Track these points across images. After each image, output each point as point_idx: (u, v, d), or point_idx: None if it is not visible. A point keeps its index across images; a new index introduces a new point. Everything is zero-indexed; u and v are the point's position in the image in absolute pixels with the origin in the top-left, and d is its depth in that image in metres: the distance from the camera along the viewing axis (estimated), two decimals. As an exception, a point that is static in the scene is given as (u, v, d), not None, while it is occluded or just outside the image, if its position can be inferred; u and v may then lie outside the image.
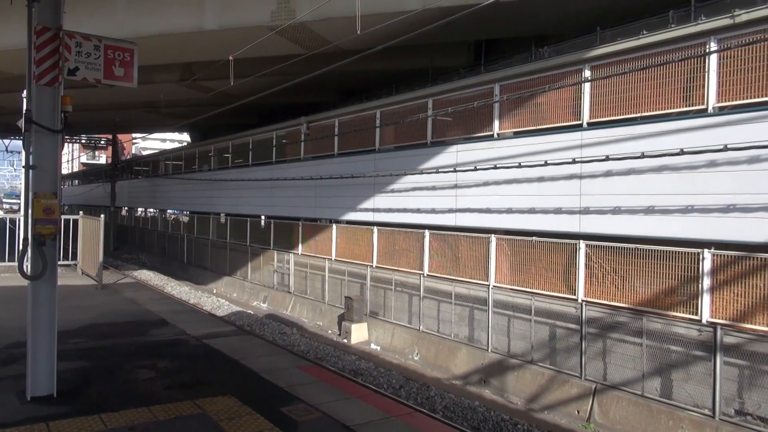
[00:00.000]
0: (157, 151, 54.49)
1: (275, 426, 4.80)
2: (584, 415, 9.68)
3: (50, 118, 5.13)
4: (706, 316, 8.82)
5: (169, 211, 35.61)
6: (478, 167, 12.71)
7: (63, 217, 10.86)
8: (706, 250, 8.87)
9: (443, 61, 19.43)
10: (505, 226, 12.30)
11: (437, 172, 13.80)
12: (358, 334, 14.91)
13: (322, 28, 15.96)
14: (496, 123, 12.57)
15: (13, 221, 13.25)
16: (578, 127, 10.87)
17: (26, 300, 5.15)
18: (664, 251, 9.40)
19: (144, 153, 62.16)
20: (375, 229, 15.87)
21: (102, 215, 12.71)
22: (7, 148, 48.98)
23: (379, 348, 14.33)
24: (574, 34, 13.96)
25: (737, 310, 8.54)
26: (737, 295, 8.55)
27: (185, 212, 32.62)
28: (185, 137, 59.28)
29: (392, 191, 15.38)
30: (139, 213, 39.21)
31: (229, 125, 32.07)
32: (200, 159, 28.65)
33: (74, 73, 5.27)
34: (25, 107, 5.27)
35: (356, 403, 5.62)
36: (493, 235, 12.37)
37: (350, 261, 16.65)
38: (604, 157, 10.20)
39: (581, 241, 10.61)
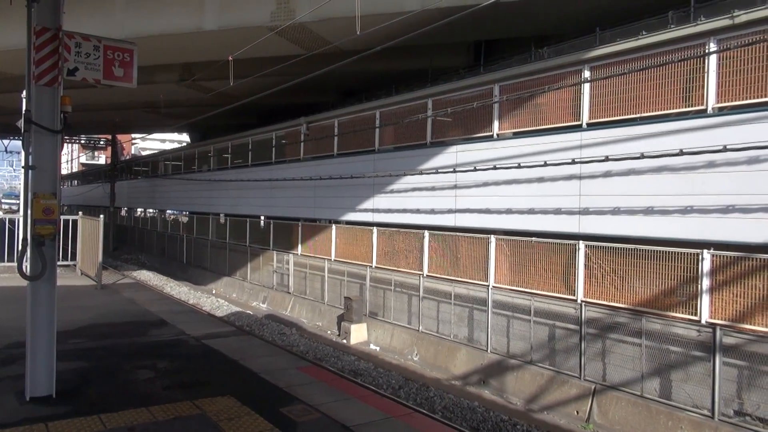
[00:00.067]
0: (156, 151, 54.48)
1: (275, 426, 4.79)
2: (583, 416, 9.68)
3: (50, 119, 5.13)
4: (705, 316, 8.82)
5: (168, 211, 35.60)
6: (477, 168, 12.71)
7: (62, 217, 10.85)
8: (705, 251, 8.87)
9: (443, 62, 19.45)
10: (505, 227, 12.30)
11: (437, 173, 13.80)
12: (358, 334, 14.90)
13: (322, 28, 15.98)
14: (496, 123, 12.58)
15: (12, 221, 13.24)
16: (578, 128, 10.88)
17: (25, 300, 5.15)
18: (663, 252, 9.41)
19: (143, 153, 62.15)
20: (374, 229, 15.87)
21: (101, 215, 12.71)
22: (6, 148, 49.01)
23: (378, 348, 14.33)
24: (573, 35, 13.97)
25: (736, 311, 8.54)
26: (736, 296, 8.55)
27: (184, 212, 32.61)
28: (185, 137, 59.28)
29: (392, 192, 15.38)
30: (139, 213, 39.21)
31: (229, 125, 32.09)
32: (200, 159, 28.65)
33: (74, 73, 5.27)
34: (24, 107, 5.27)
35: (356, 403, 5.62)
36: (492, 236, 12.37)
37: (349, 261, 16.64)
38: (603, 158, 10.20)
39: (581, 242, 10.61)
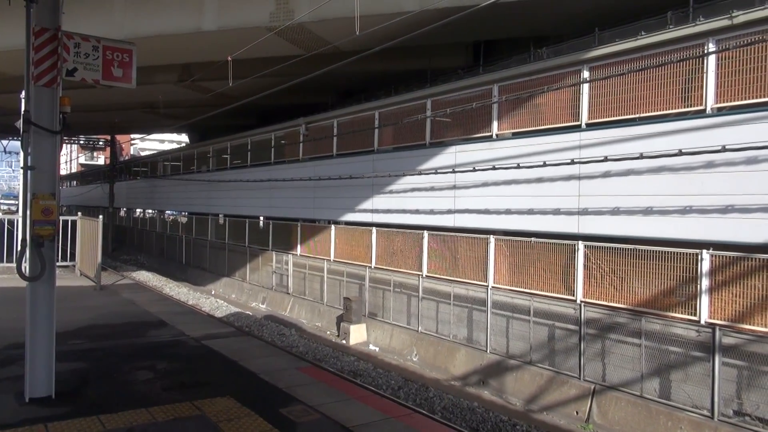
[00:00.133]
0: (155, 152, 54.45)
1: (274, 427, 4.79)
2: (583, 416, 9.69)
3: (49, 119, 5.12)
4: (704, 316, 8.83)
5: (167, 212, 35.58)
6: (476, 168, 12.71)
7: (61, 218, 10.84)
8: (704, 251, 8.88)
9: (442, 62, 19.46)
10: (504, 227, 12.31)
11: (436, 173, 13.80)
12: (357, 335, 14.90)
13: (321, 28, 15.98)
14: (495, 124, 12.58)
15: (11, 222, 13.23)
16: (577, 128, 10.88)
17: (25, 301, 5.14)
18: (662, 252, 9.41)
19: (142, 154, 62.12)
20: (374, 229, 15.86)
21: (100, 216, 12.69)
22: (5, 148, 48.93)
23: (377, 349, 14.32)
24: (572, 35, 13.98)
25: (736, 311, 8.55)
26: (736, 296, 8.56)
27: (183, 213, 32.60)
28: (184, 138, 59.25)
29: (391, 192, 15.39)
30: (138, 214, 39.18)
31: (228, 126, 32.08)
32: (199, 160, 28.64)
33: (73, 73, 5.26)
34: (23, 108, 5.26)
35: (355, 404, 5.62)
36: (491, 236, 12.37)
37: (349, 262, 16.64)
38: (602, 158, 10.21)
39: (580, 242, 10.61)
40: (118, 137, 42.61)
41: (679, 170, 9.30)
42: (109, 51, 5.43)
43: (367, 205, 16.25)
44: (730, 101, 8.84)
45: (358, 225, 16.73)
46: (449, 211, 13.61)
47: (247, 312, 18.33)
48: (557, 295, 10.93)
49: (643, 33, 9.96)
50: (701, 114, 9.16)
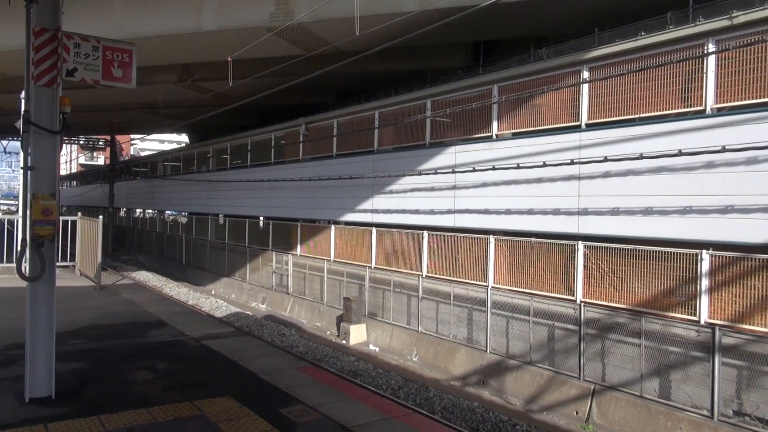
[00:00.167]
0: (155, 152, 54.45)
1: (274, 427, 4.79)
2: (583, 416, 9.69)
3: (49, 119, 5.13)
4: (704, 316, 8.83)
5: (167, 212, 35.58)
6: (476, 168, 12.71)
7: (61, 218, 10.84)
8: (704, 251, 8.88)
9: (442, 62, 19.46)
10: (504, 227, 12.31)
11: (436, 173, 13.81)
12: (357, 335, 14.90)
13: (321, 29, 15.99)
14: (495, 124, 12.58)
15: (11, 222, 13.23)
16: (576, 128, 10.88)
17: (25, 301, 5.14)
18: (662, 252, 9.42)
19: (142, 154, 62.12)
20: (374, 230, 15.87)
21: (100, 216, 12.69)
22: (5, 149, 48.90)
23: (377, 349, 14.32)
24: (572, 36, 13.99)
25: (735, 311, 8.55)
26: (735, 296, 8.56)
27: (183, 213, 32.60)
28: (184, 138, 59.26)
29: (391, 192, 15.39)
30: (138, 214, 39.18)
31: (228, 126, 32.09)
32: (199, 160, 28.64)
33: (73, 73, 5.27)
34: (23, 108, 5.27)
35: (355, 404, 5.62)
36: (491, 236, 12.37)
37: (349, 262, 16.64)
38: (602, 158, 10.21)
39: (580, 242, 10.62)
40: (118, 137, 42.62)
41: (678, 170, 9.30)
42: (109, 51, 5.44)
43: (367, 205, 16.26)
44: (730, 101, 8.84)
45: (358, 225, 16.73)
46: (449, 211, 13.61)
47: (247, 312, 18.33)
48: (557, 295, 10.93)
49: (643, 33, 9.96)
50: (701, 114, 9.16)
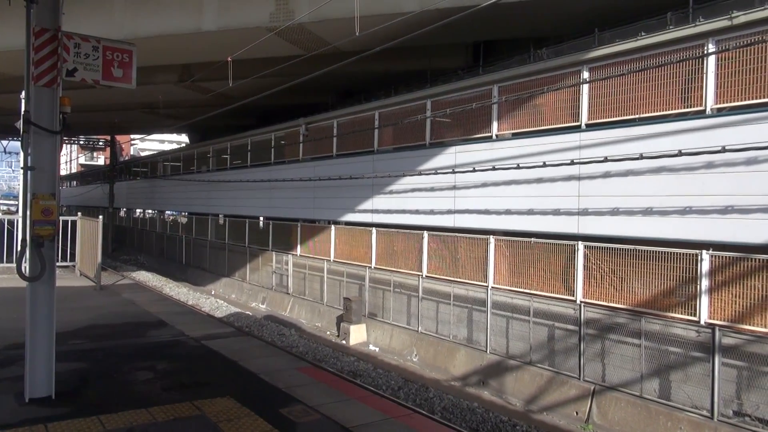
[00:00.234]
0: (155, 152, 54.45)
1: (274, 428, 4.79)
2: (583, 417, 9.69)
3: (49, 119, 5.13)
4: (704, 317, 8.83)
5: (167, 212, 35.58)
6: (476, 168, 12.71)
7: (61, 218, 10.85)
8: (704, 252, 8.88)
9: (442, 63, 19.46)
10: (504, 227, 12.31)
11: (436, 174, 13.81)
12: (357, 335, 14.90)
13: (321, 29, 15.98)
14: (495, 124, 12.58)
15: (11, 222, 13.23)
16: (577, 129, 10.88)
17: (25, 301, 5.14)
18: (662, 252, 9.42)
19: (142, 154, 62.12)
20: (374, 230, 15.87)
21: (100, 216, 12.69)
22: (5, 149, 48.90)
23: (377, 349, 14.32)
24: (572, 36, 13.98)
25: (735, 312, 8.55)
26: (735, 296, 8.56)
27: (183, 213, 32.60)
28: (183, 138, 59.24)
29: (391, 192, 15.39)
30: (138, 214, 39.18)
31: (228, 126, 32.09)
32: (199, 160, 28.65)
33: (73, 74, 5.27)
34: (23, 108, 5.27)
35: (355, 404, 5.62)
36: (491, 236, 12.37)
37: (349, 262, 16.64)
38: (602, 159, 10.21)
39: (580, 243, 10.62)
40: (118, 137, 42.64)
41: (679, 171, 9.30)
42: (109, 51, 5.44)
43: (367, 205, 16.26)
44: (730, 102, 8.84)
45: (358, 225, 16.73)
46: (449, 212, 13.61)
47: (247, 312, 18.34)
48: (557, 295, 10.93)
49: (643, 33, 9.96)
50: (701, 114, 9.16)
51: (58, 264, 5.80)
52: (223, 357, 7.10)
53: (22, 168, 5.85)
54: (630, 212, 9.96)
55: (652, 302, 9.55)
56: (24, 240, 5.10)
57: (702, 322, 8.81)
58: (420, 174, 14.35)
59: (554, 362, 10.71)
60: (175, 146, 57.72)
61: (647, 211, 9.70)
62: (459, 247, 13.23)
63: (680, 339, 9.00)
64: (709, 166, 8.91)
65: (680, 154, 9.14)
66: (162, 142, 73.60)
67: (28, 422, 4.66)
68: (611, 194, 10.26)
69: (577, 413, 9.81)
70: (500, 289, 12.03)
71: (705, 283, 8.85)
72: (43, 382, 5.16)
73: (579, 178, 10.77)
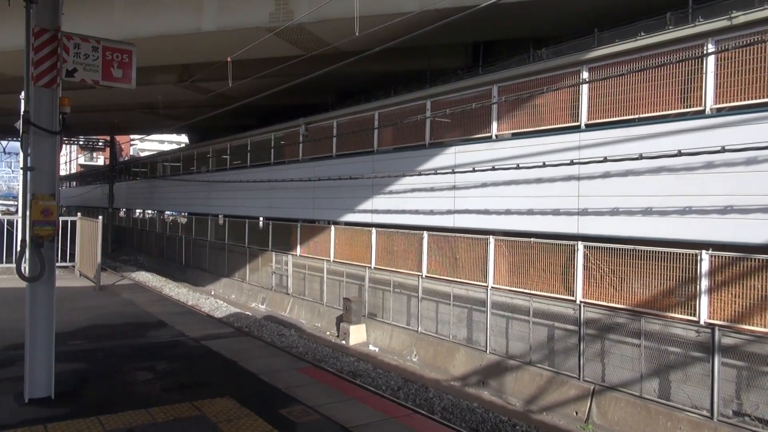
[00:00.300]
0: (154, 152, 54.44)
1: (274, 428, 4.79)
2: (582, 417, 9.69)
3: (48, 120, 5.13)
4: (704, 317, 8.83)
5: (167, 212, 35.58)
6: (476, 168, 12.72)
7: (61, 218, 10.84)
8: (704, 252, 8.88)
9: (441, 63, 19.46)
10: (504, 228, 12.31)
11: (435, 174, 13.81)
12: (357, 335, 14.90)
13: (321, 29, 15.98)
14: (495, 124, 12.59)
15: (10, 223, 13.23)
16: (576, 129, 10.89)
17: (24, 302, 5.14)
18: (662, 252, 9.42)
19: (142, 154, 62.11)
20: (373, 230, 15.87)
21: (100, 217, 12.69)
22: (4, 149, 48.85)
23: (377, 349, 14.32)
24: (571, 36, 13.98)
25: (735, 312, 8.55)
26: (735, 296, 8.56)
27: (183, 214, 32.59)
28: (183, 139, 59.24)
29: (390, 192, 15.39)
30: (137, 214, 39.17)
31: (228, 127, 32.08)
32: (198, 160, 28.64)
33: (72, 74, 5.27)
34: (23, 109, 5.26)
35: (355, 404, 5.62)
36: (491, 237, 12.38)
37: (348, 262, 16.64)
38: (602, 159, 10.21)
39: (579, 243, 10.62)
40: (118, 138, 42.61)
41: (678, 171, 9.30)
42: (108, 51, 5.44)
43: (366, 205, 16.26)
44: (730, 102, 8.84)
45: (357, 225, 16.73)
46: (449, 212, 13.61)
47: (247, 312, 18.33)
48: (557, 295, 10.94)
49: (642, 34, 9.97)
50: (701, 114, 9.17)
51: (57, 264, 5.80)
52: (223, 357, 7.10)
53: (21, 168, 5.86)
54: (629, 212, 9.96)
55: (651, 302, 9.55)
56: (24, 240, 5.10)
57: (702, 322, 8.81)
58: (420, 174, 14.35)
59: (554, 362, 10.71)
60: (174, 146, 57.70)
61: (647, 211, 9.70)
62: (459, 247, 13.23)
63: (680, 339, 9.00)
64: (709, 166, 8.91)
65: (680, 154, 9.15)
66: (162, 142, 73.61)
67: (28, 423, 4.66)
68: (611, 194, 10.26)
69: (576, 413, 9.82)
70: (500, 289, 12.03)
71: (705, 283, 8.85)
72: (42, 382, 5.16)
73: (579, 178, 10.77)
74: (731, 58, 8.77)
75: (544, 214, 11.40)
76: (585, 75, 10.76)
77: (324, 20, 14.98)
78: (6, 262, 12.67)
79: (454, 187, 13.45)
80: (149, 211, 37.39)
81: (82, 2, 16.38)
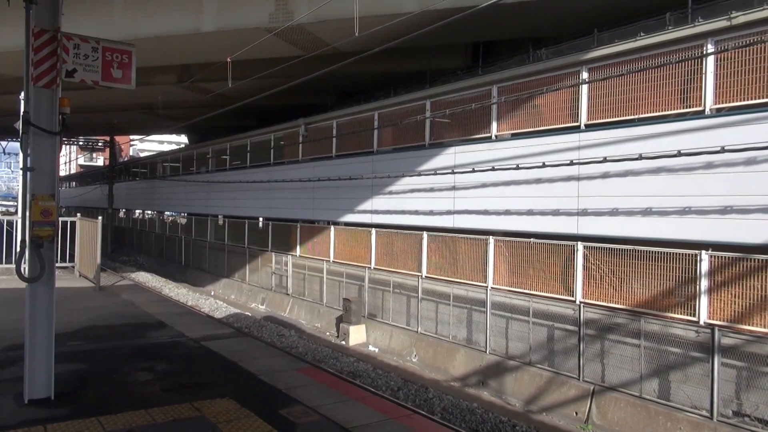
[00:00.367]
0: (154, 153, 54.43)
1: (273, 428, 4.79)
2: (582, 417, 9.69)
3: (48, 120, 5.13)
4: (703, 317, 8.84)
5: (166, 213, 35.57)
6: (476, 169, 12.72)
7: (61, 219, 10.84)
8: (703, 252, 8.88)
9: (441, 63, 19.47)
10: (504, 228, 12.31)
11: (435, 174, 13.81)
12: (356, 335, 14.90)
13: (320, 29, 15.98)
14: (494, 125, 12.59)
15: (10, 223, 13.22)
16: (576, 129, 10.89)
17: (24, 302, 5.14)
18: (662, 252, 9.42)
19: (141, 155, 62.10)
20: (373, 230, 15.87)
21: (99, 217, 12.68)
22: (4, 150, 48.84)
23: (377, 350, 14.32)
24: (571, 36, 13.98)
25: (735, 312, 8.56)
26: (735, 297, 8.57)
27: (183, 214, 32.59)
28: (183, 139, 59.23)
29: (390, 193, 15.39)
30: (137, 215, 39.17)
31: (227, 127, 32.09)
32: (198, 161, 28.64)
33: (72, 74, 5.27)
34: (22, 109, 5.26)
35: (354, 405, 5.62)
36: (491, 237, 12.38)
37: (348, 263, 16.64)
38: (601, 159, 10.22)
39: (579, 243, 10.62)
40: (118, 138, 42.62)
41: (678, 171, 9.31)
42: (108, 52, 5.44)
43: (366, 205, 16.26)
44: (729, 102, 8.85)
45: (357, 226, 16.73)
46: (449, 212, 13.62)
47: (247, 313, 18.33)
48: (556, 295, 10.94)
49: (642, 34, 9.97)
50: (700, 115, 9.17)
51: (57, 265, 5.80)
52: (223, 358, 7.09)
53: (21, 169, 5.85)
54: (629, 212, 9.97)
55: (651, 302, 9.56)
56: (23, 241, 5.09)
57: (701, 323, 8.81)
58: (419, 174, 14.35)
59: (554, 362, 10.71)
60: (174, 147, 57.70)
61: (646, 212, 9.71)
62: (458, 247, 13.24)
63: (679, 339, 9.00)
64: (709, 166, 8.91)
65: (679, 154, 9.15)
66: (161, 143, 73.62)
67: (28, 423, 4.66)
68: (610, 194, 10.26)
69: (576, 413, 9.81)
70: (499, 289, 12.03)
71: (704, 284, 8.86)
72: (42, 383, 5.16)
73: (578, 178, 10.78)
74: (731, 59, 8.77)
75: (543, 214, 11.41)
76: (585, 75, 10.76)
77: (324, 21, 14.99)
78: (6, 263, 12.65)
79: (453, 188, 13.45)
80: (149, 212, 37.39)
81: (81, 2, 16.38)
